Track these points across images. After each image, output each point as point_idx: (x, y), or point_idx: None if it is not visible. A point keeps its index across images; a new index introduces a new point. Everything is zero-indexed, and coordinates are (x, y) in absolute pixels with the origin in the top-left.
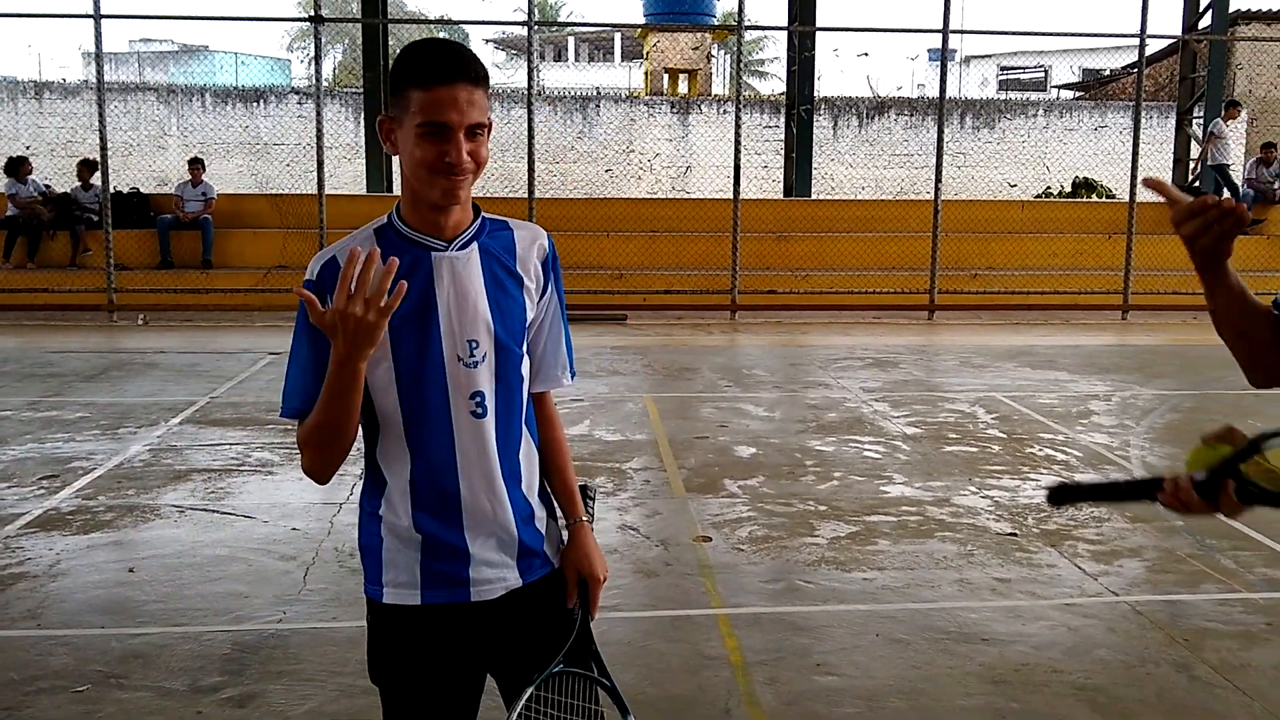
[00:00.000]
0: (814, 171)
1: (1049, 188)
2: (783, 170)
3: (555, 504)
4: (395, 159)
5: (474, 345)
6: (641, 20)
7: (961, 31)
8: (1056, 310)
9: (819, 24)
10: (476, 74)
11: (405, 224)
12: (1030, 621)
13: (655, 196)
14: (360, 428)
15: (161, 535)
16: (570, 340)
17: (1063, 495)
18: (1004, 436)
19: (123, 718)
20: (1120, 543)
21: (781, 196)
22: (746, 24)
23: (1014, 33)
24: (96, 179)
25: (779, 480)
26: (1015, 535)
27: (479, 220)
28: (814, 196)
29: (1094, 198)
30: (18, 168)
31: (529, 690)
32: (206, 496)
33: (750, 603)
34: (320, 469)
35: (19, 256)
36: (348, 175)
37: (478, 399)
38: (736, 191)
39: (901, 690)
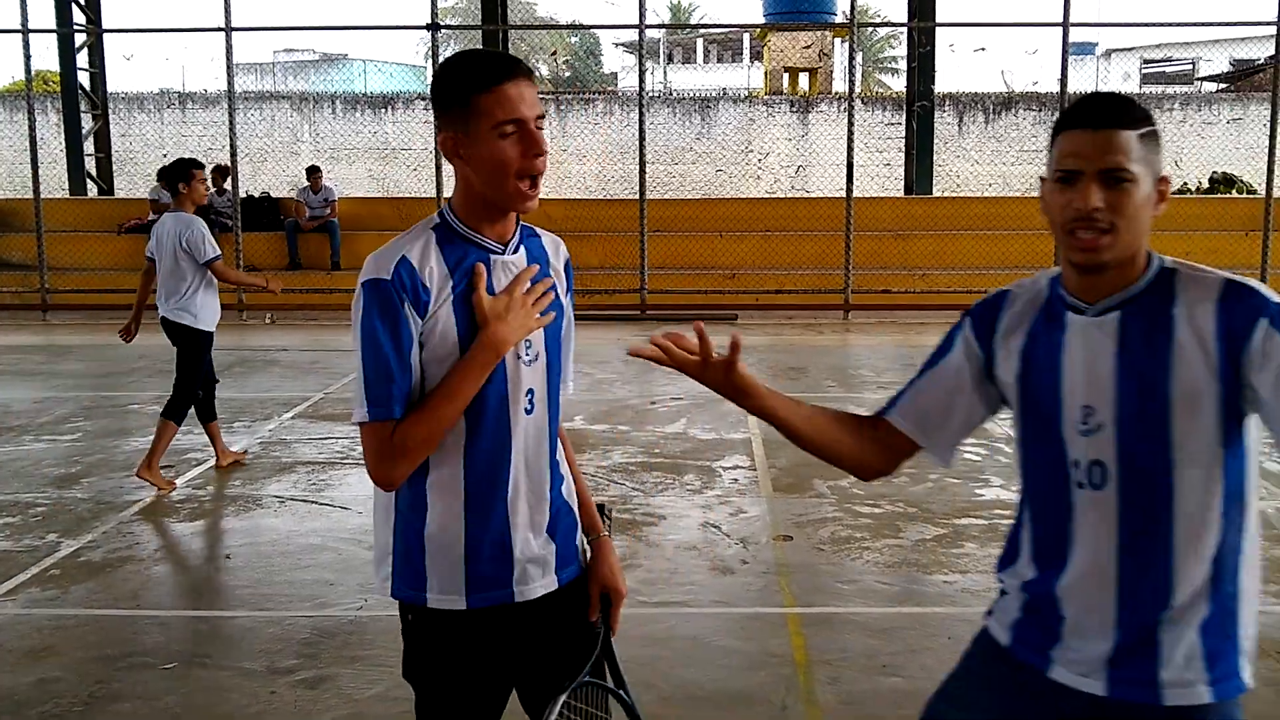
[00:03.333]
0: (939, 168)
1: (1185, 183)
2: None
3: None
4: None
5: (529, 344)
6: (762, 20)
7: (1082, 24)
8: None
9: (938, 19)
10: (529, 71)
11: (464, 225)
12: None
13: (772, 196)
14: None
15: (260, 524)
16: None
17: None
18: None
19: (201, 694)
20: None
21: (902, 194)
22: (863, 21)
23: (1132, 24)
24: (229, 184)
25: (870, 483)
26: None
27: (518, 224)
28: (937, 194)
29: (1234, 193)
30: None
31: (562, 698)
32: (307, 488)
33: (823, 602)
34: (413, 464)
35: None
36: None
37: (529, 395)
38: (849, 189)
39: None
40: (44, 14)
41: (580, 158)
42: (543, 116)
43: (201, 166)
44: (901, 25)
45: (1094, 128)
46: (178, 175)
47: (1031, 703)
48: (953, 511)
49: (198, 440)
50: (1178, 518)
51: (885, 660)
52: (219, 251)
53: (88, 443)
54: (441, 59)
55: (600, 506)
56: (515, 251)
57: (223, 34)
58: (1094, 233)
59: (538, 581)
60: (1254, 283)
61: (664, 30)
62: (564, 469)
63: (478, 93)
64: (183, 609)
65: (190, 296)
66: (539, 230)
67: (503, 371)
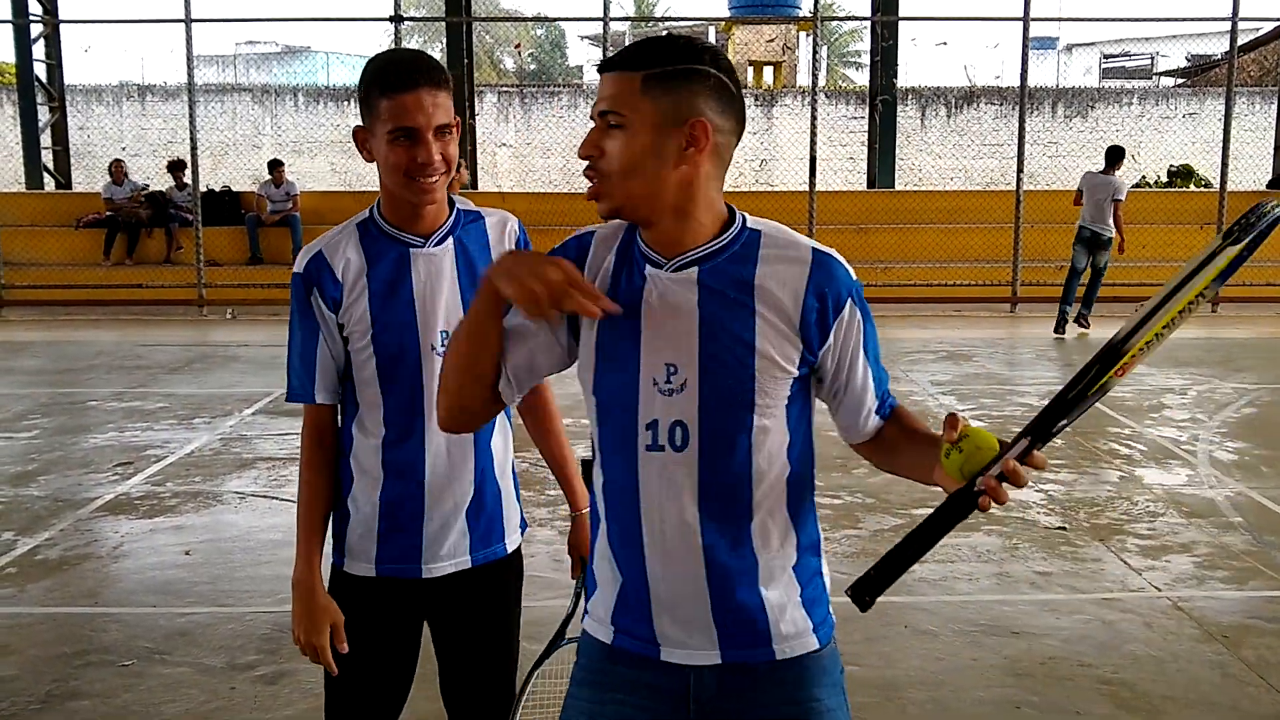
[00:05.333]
0: (901, 163)
1: (1144, 177)
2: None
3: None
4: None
5: (445, 335)
6: (727, 14)
7: (1042, 19)
8: (1143, 303)
9: (901, 14)
10: (439, 79)
11: (386, 221)
12: (1064, 615)
13: (736, 190)
14: (341, 407)
15: (220, 520)
16: None
17: (868, 588)
18: (1069, 430)
19: (162, 691)
20: (1172, 538)
21: (864, 188)
22: (827, 15)
23: (1091, 19)
24: (189, 177)
25: (829, 473)
26: (1064, 529)
27: (453, 215)
28: (899, 187)
29: (1192, 186)
30: (113, 171)
31: (538, 669)
32: (268, 484)
33: None
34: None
35: (118, 253)
36: None
37: None
38: (812, 183)
39: (921, 681)
40: None
41: (545, 151)
42: (447, 126)
43: (462, 158)
44: (865, 19)
45: (605, 70)
46: None
47: (652, 697)
48: (910, 502)
49: (157, 437)
50: (756, 476)
51: (843, 649)
52: None
53: (45, 440)
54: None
55: (587, 462)
56: (440, 244)
57: (183, 25)
58: (590, 180)
59: (448, 560)
60: (836, 254)
61: (629, 23)
62: (500, 454)
63: (381, 96)
64: (142, 606)
65: None
66: (485, 212)
67: (416, 363)
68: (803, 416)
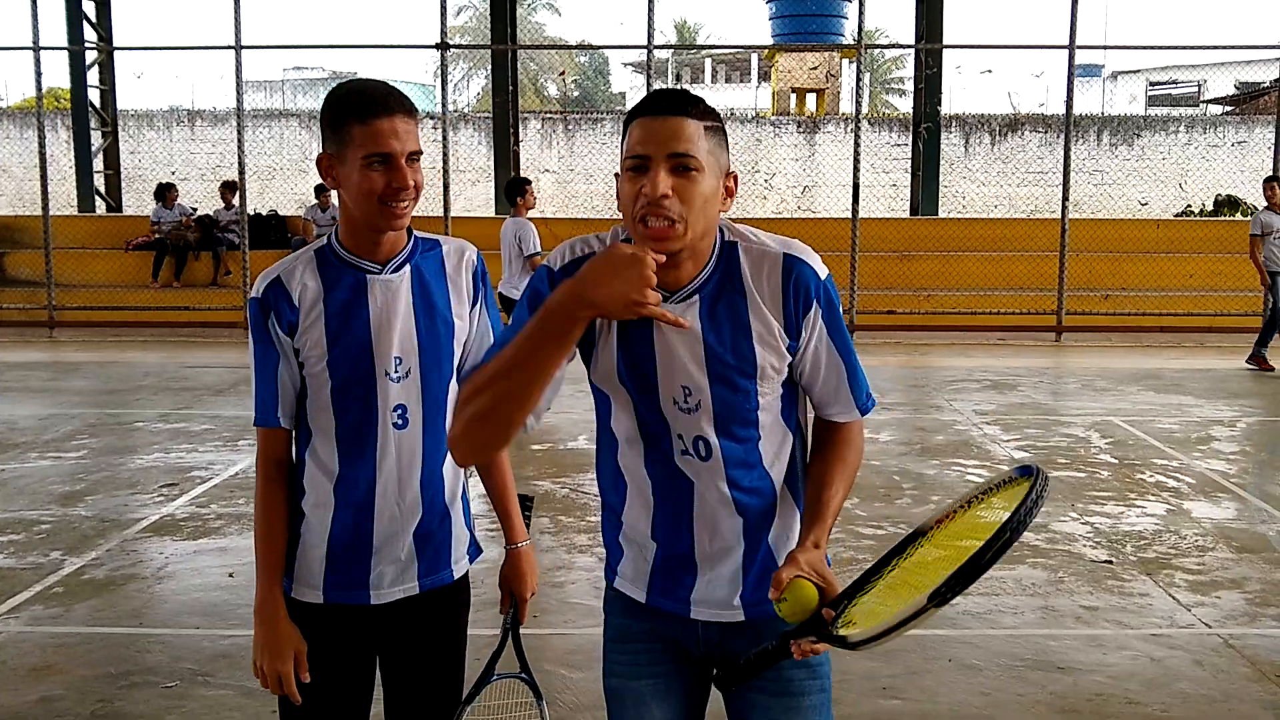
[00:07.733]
0: (945, 190)
1: (1189, 206)
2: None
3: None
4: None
5: (399, 361)
6: (770, 41)
7: (1088, 47)
8: (1190, 333)
9: (945, 41)
10: (410, 107)
11: (344, 248)
12: (1112, 651)
13: (779, 216)
14: (295, 434)
15: None
16: None
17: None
18: (1115, 462)
19: (205, 713)
20: (1222, 573)
21: (907, 215)
22: (871, 42)
23: (1138, 46)
24: (236, 201)
25: (873, 503)
26: (1111, 563)
27: (411, 242)
28: (943, 215)
29: (1238, 216)
30: (165, 194)
31: (470, 704)
32: None
33: None
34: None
35: (166, 276)
36: (481, 197)
37: (399, 411)
38: (855, 210)
39: (965, 715)
40: (56, 31)
41: (588, 177)
42: (417, 153)
43: (530, 183)
44: (909, 47)
45: (661, 115)
46: (516, 190)
47: (668, 639)
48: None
49: (203, 458)
50: (768, 462)
51: (885, 683)
52: (539, 250)
53: (93, 460)
54: (451, 78)
55: (522, 498)
56: (397, 270)
57: (233, 52)
58: (663, 222)
59: (396, 586)
60: (806, 253)
61: (672, 51)
62: (450, 480)
63: (354, 122)
64: (185, 627)
65: (518, 277)
66: (443, 240)
67: (370, 387)
68: (792, 410)
